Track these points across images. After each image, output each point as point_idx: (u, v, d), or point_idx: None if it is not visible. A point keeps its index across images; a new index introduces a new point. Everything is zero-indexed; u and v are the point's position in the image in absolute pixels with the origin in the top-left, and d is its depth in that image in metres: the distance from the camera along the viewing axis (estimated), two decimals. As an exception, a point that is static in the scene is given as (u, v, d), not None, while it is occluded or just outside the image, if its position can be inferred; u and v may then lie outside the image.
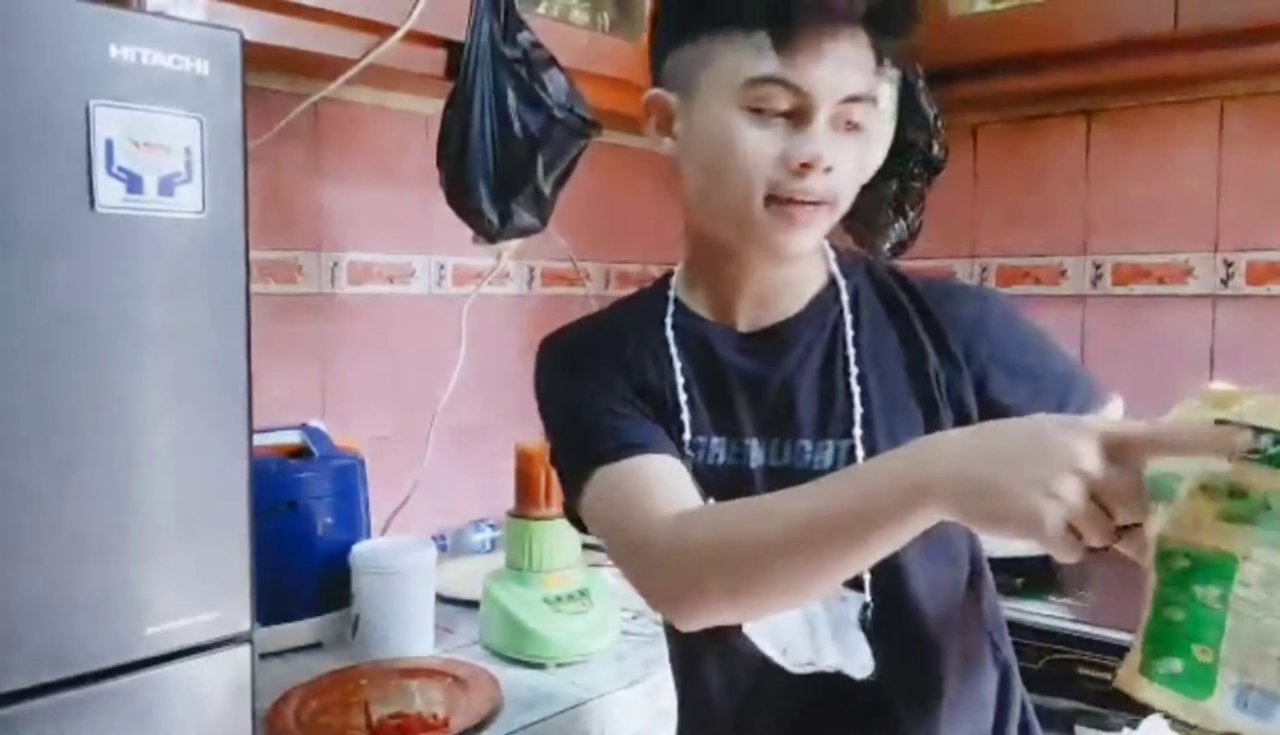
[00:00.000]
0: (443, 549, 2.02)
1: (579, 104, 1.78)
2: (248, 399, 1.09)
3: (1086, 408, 0.99)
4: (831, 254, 1.13)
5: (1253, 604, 0.71)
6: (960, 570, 1.09)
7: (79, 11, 0.94)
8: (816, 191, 0.98)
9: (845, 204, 1.02)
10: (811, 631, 1.06)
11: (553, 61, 1.77)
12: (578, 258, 2.32)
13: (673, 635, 1.18)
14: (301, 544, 1.65)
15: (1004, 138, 2.36)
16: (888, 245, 2.13)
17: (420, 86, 1.93)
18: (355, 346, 2.01)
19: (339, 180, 1.96)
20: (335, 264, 1.97)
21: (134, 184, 0.97)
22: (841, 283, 1.10)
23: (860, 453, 1.03)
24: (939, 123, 2.05)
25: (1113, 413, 1.04)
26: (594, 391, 1.09)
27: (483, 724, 1.33)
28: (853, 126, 0.99)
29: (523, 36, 1.75)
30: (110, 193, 0.96)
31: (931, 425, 1.03)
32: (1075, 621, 1.63)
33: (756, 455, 1.07)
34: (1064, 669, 1.59)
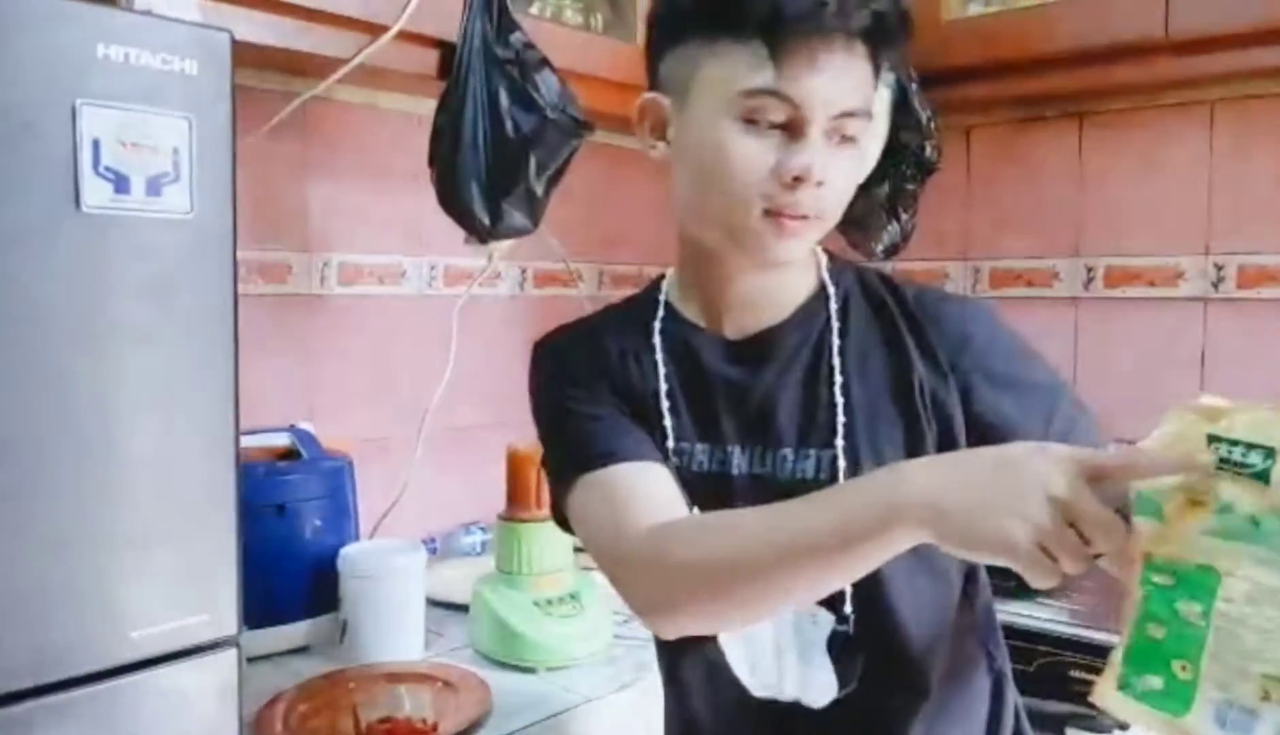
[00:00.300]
0: (432, 552, 2.01)
1: (571, 105, 1.77)
2: (235, 400, 1.08)
3: (1073, 422, 0.98)
4: (823, 260, 1.12)
5: (1235, 620, 0.70)
6: (947, 581, 1.08)
7: (67, 10, 0.93)
8: (807, 204, 0.97)
9: (835, 218, 1.02)
10: (778, 654, 1.06)
11: (545, 62, 1.76)
12: (570, 259, 2.31)
13: (658, 641, 1.18)
14: (290, 547, 1.64)
15: (997, 140, 2.37)
16: (881, 247, 2.13)
17: (412, 86, 1.92)
18: (345, 347, 2.00)
19: (329, 180, 1.96)
20: (325, 264, 1.96)
21: (121, 184, 0.96)
22: (831, 290, 1.09)
23: (842, 463, 1.02)
24: (932, 125, 2.05)
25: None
26: (579, 397, 1.10)
27: (472, 728, 1.32)
28: (846, 140, 0.98)
29: (515, 37, 1.74)
30: (97, 193, 0.95)
31: (914, 436, 1.03)
32: (1067, 624, 1.63)
33: (739, 463, 1.07)
34: (1055, 671, 1.59)
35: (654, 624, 1.02)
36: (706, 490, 1.05)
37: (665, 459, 1.07)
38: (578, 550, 1.63)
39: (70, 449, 0.96)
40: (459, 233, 1.79)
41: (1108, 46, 1.93)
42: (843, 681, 1.04)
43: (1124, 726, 1.55)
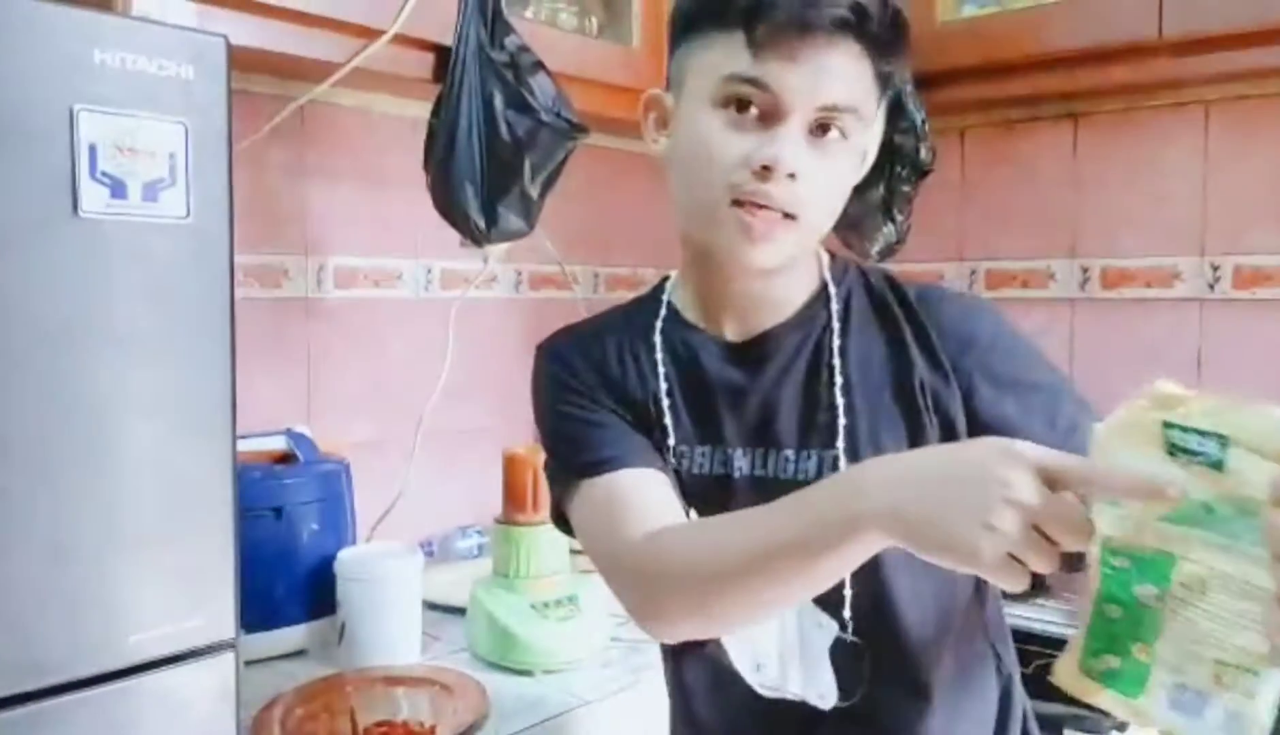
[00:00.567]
0: (429, 555, 2.01)
1: (566, 108, 1.78)
2: (232, 404, 1.08)
3: (1076, 424, 0.97)
4: (826, 260, 1.12)
5: (1189, 605, 0.71)
6: (952, 584, 1.07)
7: (63, 16, 0.93)
8: (776, 197, 0.96)
9: (813, 220, 1.00)
10: (783, 656, 1.06)
11: (540, 65, 1.77)
12: (565, 261, 2.31)
13: (662, 644, 1.18)
14: (287, 550, 1.64)
15: (991, 141, 2.37)
16: (876, 249, 2.13)
17: (407, 90, 1.92)
18: (341, 351, 2.00)
19: (325, 183, 1.96)
20: (321, 268, 1.96)
21: (118, 189, 0.97)
22: (832, 290, 1.09)
23: (844, 463, 1.03)
24: (926, 126, 2.05)
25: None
26: (580, 402, 1.10)
27: (470, 731, 1.32)
28: (832, 136, 0.98)
29: (510, 40, 1.74)
30: (94, 198, 0.95)
31: (916, 436, 1.03)
32: (1065, 625, 1.63)
33: (741, 465, 1.07)
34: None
35: (648, 629, 1.03)
36: (708, 493, 1.06)
37: (665, 462, 1.08)
38: (574, 553, 1.63)
39: (67, 453, 0.96)
40: (454, 236, 1.79)
41: (1102, 47, 1.93)
42: (846, 691, 1.04)
43: (1121, 728, 1.55)
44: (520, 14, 1.92)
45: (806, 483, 0.99)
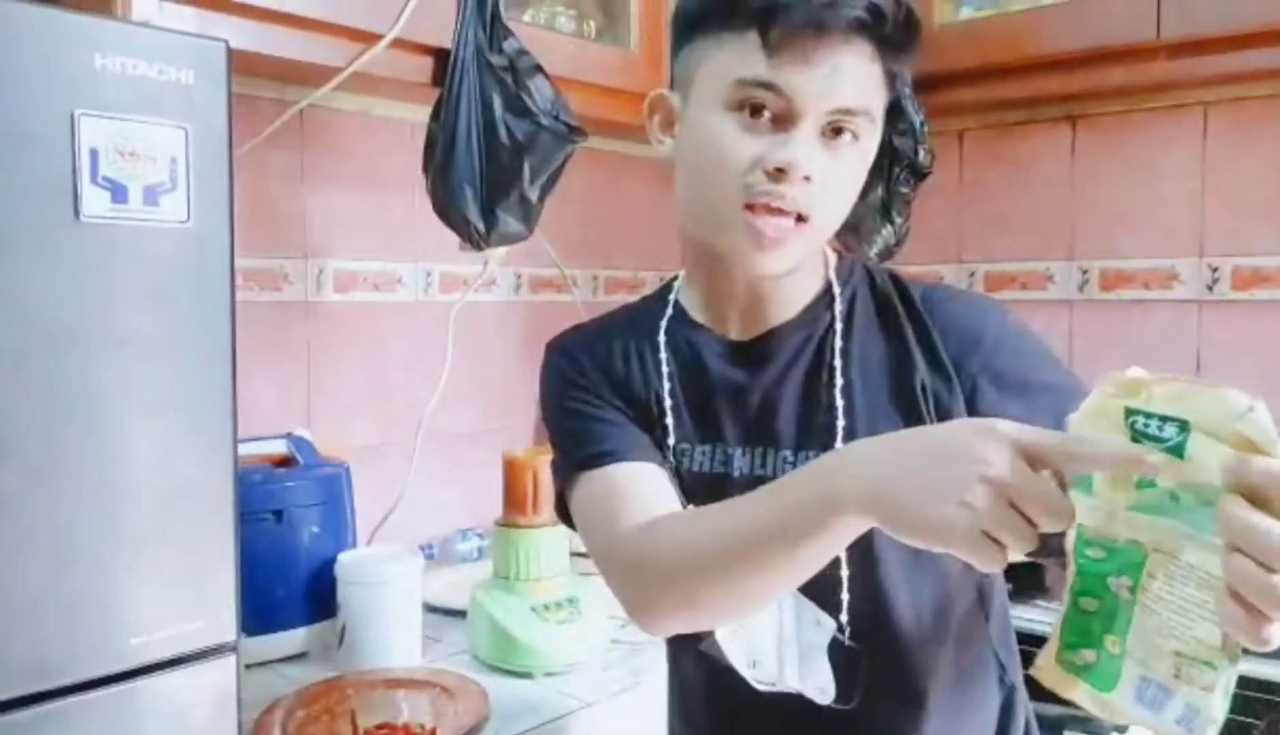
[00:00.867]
0: (430, 558, 2.01)
1: (564, 111, 1.78)
2: (233, 407, 1.09)
3: None
4: (831, 260, 1.12)
5: (1155, 596, 0.70)
6: (952, 589, 1.06)
7: (63, 21, 0.94)
8: (790, 199, 0.96)
9: (824, 222, 1.00)
10: (780, 650, 1.06)
11: (538, 69, 1.77)
12: (565, 264, 2.32)
13: (667, 642, 1.19)
14: (287, 553, 1.64)
15: (990, 143, 2.37)
16: (875, 251, 2.13)
17: (406, 94, 1.93)
18: (341, 354, 2.00)
19: (325, 187, 1.96)
20: (321, 271, 1.96)
21: (119, 193, 0.97)
22: (837, 290, 1.09)
23: None
24: (925, 129, 2.05)
25: None
26: (584, 398, 1.11)
27: (470, 734, 1.32)
28: (845, 140, 0.98)
29: (509, 44, 1.75)
30: (95, 202, 0.96)
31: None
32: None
33: (740, 464, 1.07)
34: (1052, 674, 1.59)
35: (640, 622, 1.02)
36: (707, 491, 1.05)
37: (665, 460, 1.08)
38: (575, 555, 1.63)
39: (68, 456, 0.96)
40: (454, 239, 1.80)
41: (1100, 49, 1.93)
42: (843, 694, 1.03)
43: (1123, 729, 1.55)
44: (519, 18, 1.92)
45: None
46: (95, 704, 1.00)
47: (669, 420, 1.10)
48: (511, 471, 1.67)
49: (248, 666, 1.24)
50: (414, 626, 1.64)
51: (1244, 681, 1.40)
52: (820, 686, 1.04)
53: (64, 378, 0.96)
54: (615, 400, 1.11)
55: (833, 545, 0.87)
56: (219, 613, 1.09)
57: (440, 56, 1.74)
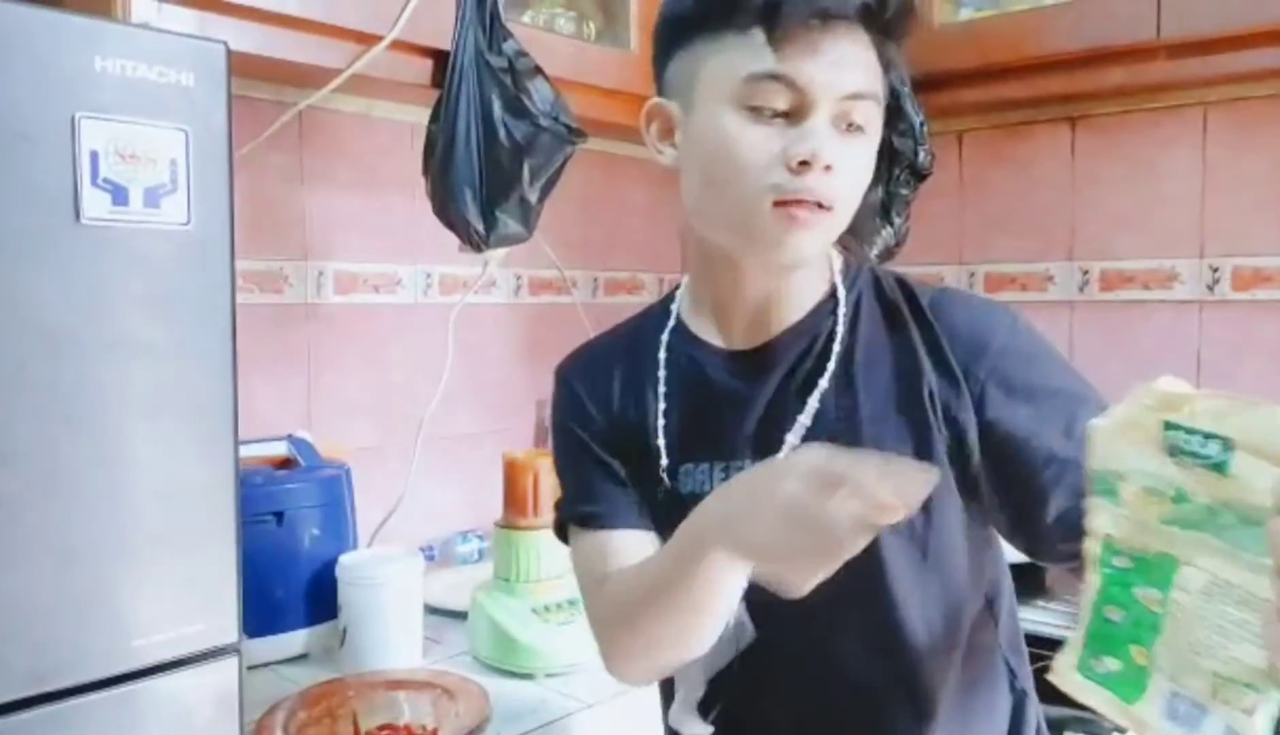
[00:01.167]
0: (430, 559, 2.01)
1: (564, 112, 1.78)
2: (234, 409, 1.09)
3: None
4: (837, 263, 1.10)
5: (1190, 612, 0.69)
6: (962, 596, 1.05)
7: (64, 24, 0.94)
8: (818, 191, 0.95)
9: (845, 210, 1.00)
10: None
11: (538, 70, 1.77)
12: (564, 266, 2.32)
13: None
14: (288, 555, 1.65)
15: (990, 144, 2.37)
16: (875, 252, 2.13)
17: (406, 95, 1.93)
18: (342, 356, 2.00)
19: (325, 189, 1.96)
20: (321, 273, 1.96)
21: (119, 195, 0.97)
22: (841, 294, 1.07)
23: None
24: (925, 129, 2.05)
25: None
26: (582, 444, 1.14)
27: (472, 735, 1.33)
28: (855, 127, 0.97)
29: (508, 46, 1.75)
30: (96, 204, 0.96)
31: (922, 446, 1.00)
32: (1067, 627, 1.62)
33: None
34: (1053, 675, 1.59)
35: (611, 673, 1.10)
36: None
37: (659, 486, 1.09)
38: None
39: (69, 459, 0.96)
40: (454, 241, 1.80)
41: (1100, 50, 1.93)
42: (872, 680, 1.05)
43: (1122, 730, 1.55)
44: (518, 19, 1.92)
45: None
46: (97, 706, 1.00)
47: (662, 445, 1.09)
48: (512, 473, 1.67)
49: (249, 668, 1.24)
50: (415, 628, 1.64)
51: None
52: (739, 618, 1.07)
53: (65, 380, 0.96)
54: (613, 440, 1.13)
55: (718, 589, 0.94)
56: (220, 614, 1.09)
57: (440, 58, 1.74)
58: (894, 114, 2.01)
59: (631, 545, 1.08)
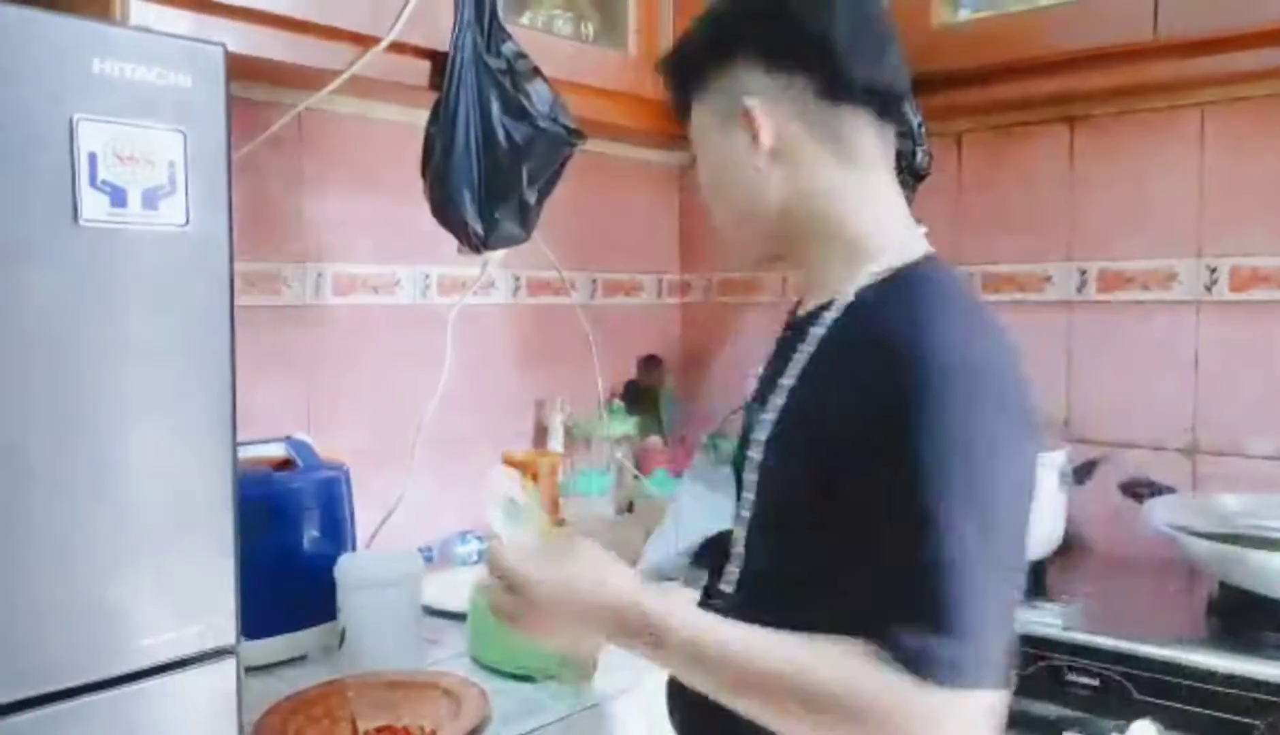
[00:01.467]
0: (429, 560, 2.01)
1: (563, 114, 1.78)
2: (232, 411, 1.09)
3: (936, 561, 0.89)
4: (872, 266, 1.10)
5: None
6: None
7: (62, 26, 0.94)
8: None
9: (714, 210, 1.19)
10: None
11: (537, 72, 1.77)
12: (563, 267, 2.31)
13: None
14: (287, 557, 1.64)
15: (988, 145, 2.37)
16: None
17: (404, 97, 1.93)
18: (340, 358, 2.00)
19: (323, 191, 1.96)
20: (320, 275, 1.96)
21: (118, 197, 0.97)
22: (838, 300, 1.09)
23: (759, 459, 1.12)
24: (923, 130, 2.05)
25: None
26: None
27: (471, 736, 1.32)
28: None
29: (507, 47, 1.75)
30: (94, 206, 0.96)
31: (814, 469, 1.02)
32: (1064, 628, 1.62)
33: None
34: (1052, 675, 1.59)
35: None
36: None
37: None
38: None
39: (68, 460, 0.96)
40: (452, 242, 1.80)
41: (1097, 50, 1.93)
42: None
43: (1122, 730, 1.55)
44: (516, 21, 1.93)
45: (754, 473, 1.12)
46: (95, 707, 1.00)
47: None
48: (511, 474, 1.67)
49: (247, 670, 1.24)
50: (414, 629, 1.64)
51: (1244, 682, 1.40)
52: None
53: (63, 382, 0.96)
54: None
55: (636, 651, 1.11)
56: (219, 616, 1.09)
57: (438, 59, 1.74)
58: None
59: None
